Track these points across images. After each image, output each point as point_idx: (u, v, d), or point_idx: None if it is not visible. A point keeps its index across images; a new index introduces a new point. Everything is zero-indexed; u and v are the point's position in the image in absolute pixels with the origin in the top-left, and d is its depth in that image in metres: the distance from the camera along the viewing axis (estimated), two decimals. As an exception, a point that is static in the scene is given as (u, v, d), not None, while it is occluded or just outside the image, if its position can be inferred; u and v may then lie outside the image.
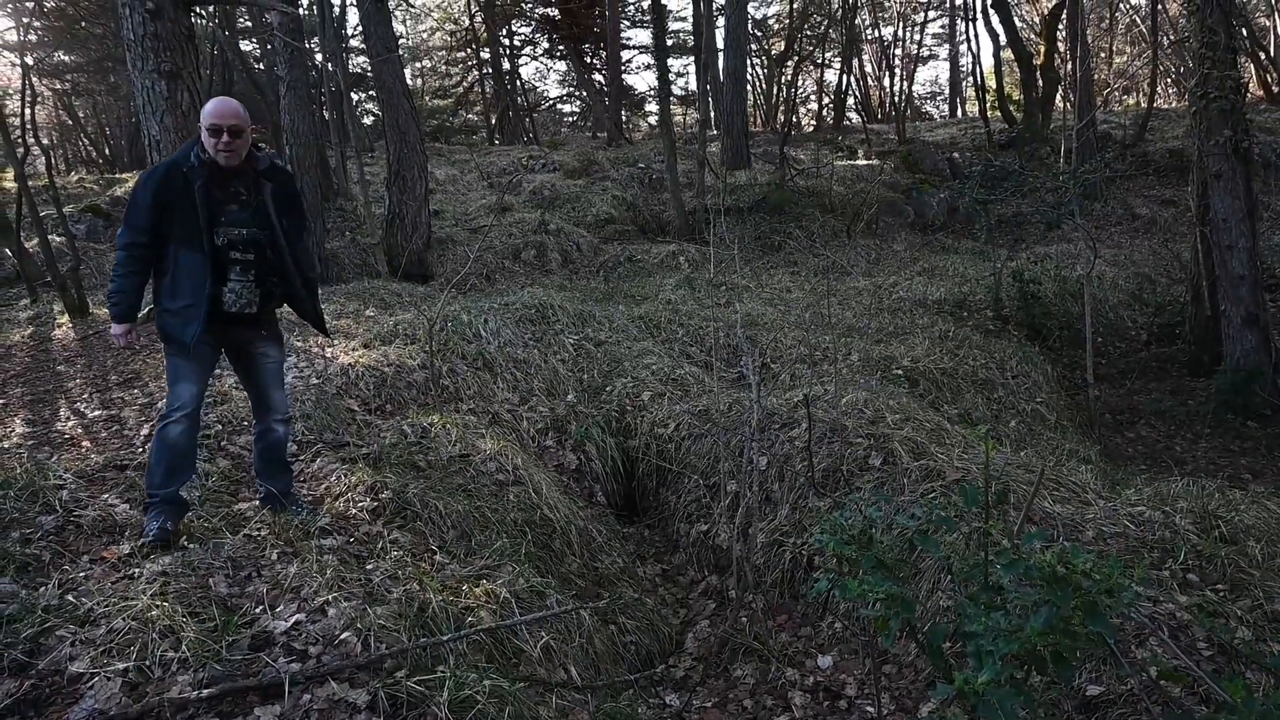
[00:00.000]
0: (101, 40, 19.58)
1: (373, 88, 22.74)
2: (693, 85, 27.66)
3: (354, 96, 19.47)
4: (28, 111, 9.78)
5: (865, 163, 16.77)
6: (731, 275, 9.83)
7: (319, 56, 16.33)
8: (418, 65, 31.12)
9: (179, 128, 6.95)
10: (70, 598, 2.69)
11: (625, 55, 27.04)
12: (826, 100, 27.49)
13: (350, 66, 20.29)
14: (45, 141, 22.07)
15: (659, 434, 5.42)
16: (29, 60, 13.27)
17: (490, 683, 2.28)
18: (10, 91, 20.39)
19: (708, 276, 10.21)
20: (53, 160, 22.21)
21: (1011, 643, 1.37)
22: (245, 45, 19.82)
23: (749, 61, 21.44)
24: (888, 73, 26.13)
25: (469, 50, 28.60)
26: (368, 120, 26.41)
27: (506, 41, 27.12)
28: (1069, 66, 16.75)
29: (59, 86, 21.62)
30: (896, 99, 23.01)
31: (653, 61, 26.49)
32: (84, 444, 4.32)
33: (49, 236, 8.45)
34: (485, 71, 28.01)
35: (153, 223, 3.08)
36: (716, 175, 13.38)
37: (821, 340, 6.96)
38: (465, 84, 30.24)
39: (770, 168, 15.49)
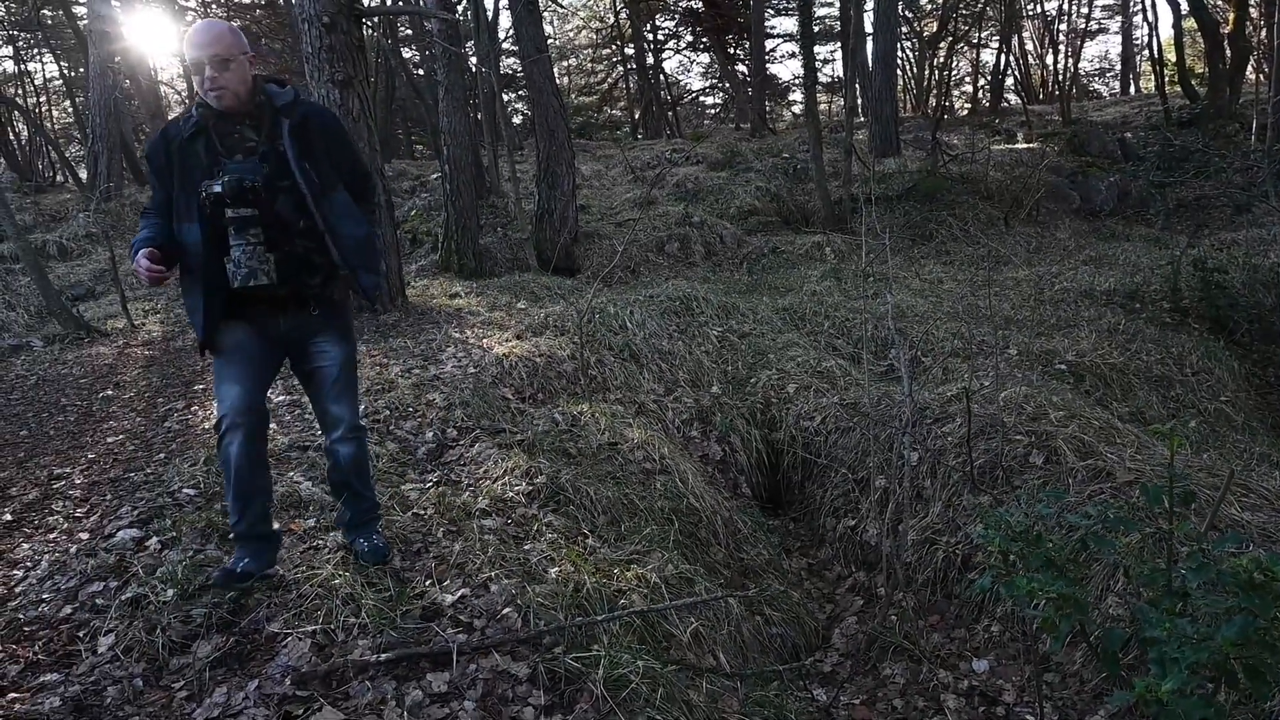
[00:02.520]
0: (280, 55, 21.20)
1: (523, 88, 23.53)
2: (839, 72, 27.03)
3: (504, 97, 20.21)
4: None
5: (1025, 146, 15.87)
6: (880, 266, 9.56)
7: (473, 60, 17.05)
8: (564, 64, 31.90)
9: (352, 132, 7.46)
10: (265, 564, 2.97)
11: (769, 44, 26.72)
12: (983, 82, 26.15)
13: (501, 68, 21.05)
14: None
15: (804, 427, 5.36)
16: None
17: (644, 664, 2.35)
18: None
19: (854, 267, 9.98)
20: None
21: (1200, 651, 1.28)
22: (406, 53, 20.96)
23: (899, 44, 20.71)
24: (1051, 50, 24.59)
25: (614, 47, 29.09)
26: (516, 120, 27.35)
27: (650, 36, 27.36)
28: (1263, 34, 15.21)
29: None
30: (1061, 77, 21.63)
31: (798, 49, 26.05)
32: (271, 426, 4.72)
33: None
34: (629, 67, 28.41)
35: (161, 199, 2.61)
36: (864, 163, 13.03)
37: (977, 333, 6.67)
38: (610, 80, 30.77)
39: (921, 154, 14.93)
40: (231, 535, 2.83)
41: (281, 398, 5.32)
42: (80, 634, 2.68)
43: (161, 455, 4.50)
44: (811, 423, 5.34)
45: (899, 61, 21.86)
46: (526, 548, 3.12)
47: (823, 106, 25.90)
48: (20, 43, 23.03)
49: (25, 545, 3.47)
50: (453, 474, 4.02)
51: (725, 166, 15.86)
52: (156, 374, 6.65)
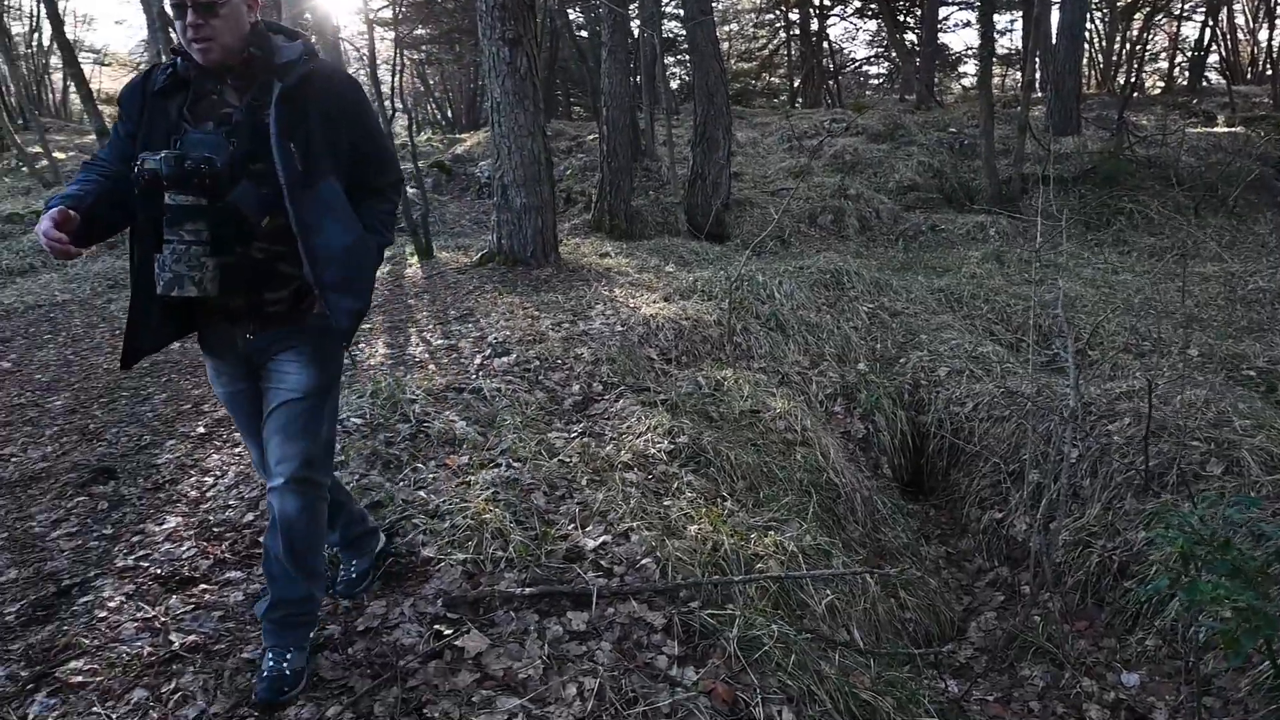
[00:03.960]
0: (452, 14, 21.95)
1: (683, 51, 23.41)
2: (1016, 43, 25.38)
3: (664, 60, 20.17)
4: (397, 80, 11.24)
5: (1226, 130, 14.44)
6: (1049, 251, 9.00)
7: (636, 22, 17.10)
8: (725, 29, 31.48)
9: (517, 90, 7.67)
10: (422, 494, 3.16)
11: (943, 12, 25.37)
12: (1181, 58, 23.93)
13: (662, 31, 21.00)
14: (400, 105, 25.40)
15: (954, 412, 5.16)
16: (396, 34, 15.24)
17: (778, 629, 2.36)
18: (383, 63, 23.61)
19: (1020, 250, 9.44)
20: (412, 121, 25.46)
21: None
22: (570, 15, 21.25)
23: (1088, 14, 19.19)
24: (1265, 24, 22.16)
25: (778, 12, 28.41)
26: (674, 84, 27.28)
27: (817, 1, 26.55)
28: None
29: (416, 57, 24.63)
30: (1275, 55, 19.48)
31: (974, 18, 24.62)
32: (430, 367, 4.98)
33: (405, 189, 9.75)
34: (792, 33, 27.71)
35: (122, 150, 2.02)
36: (1039, 141, 12.23)
37: (1154, 329, 6.19)
38: (771, 47, 30.13)
39: (1103, 134, 13.86)
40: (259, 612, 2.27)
41: (440, 341, 5.59)
42: (260, 539, 2.95)
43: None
44: (962, 408, 5.13)
45: (1085, 33, 20.29)
46: (666, 503, 3.17)
47: (995, 80, 24.45)
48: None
49: (215, 456, 3.83)
50: (596, 426, 4.12)
51: (886, 139, 15.28)
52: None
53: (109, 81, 24.45)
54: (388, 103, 11.26)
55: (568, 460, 3.51)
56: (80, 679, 2.20)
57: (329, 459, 2.24)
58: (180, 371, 5.47)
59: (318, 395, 2.14)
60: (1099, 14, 23.52)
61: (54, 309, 8.11)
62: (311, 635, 2.28)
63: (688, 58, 19.99)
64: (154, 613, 2.50)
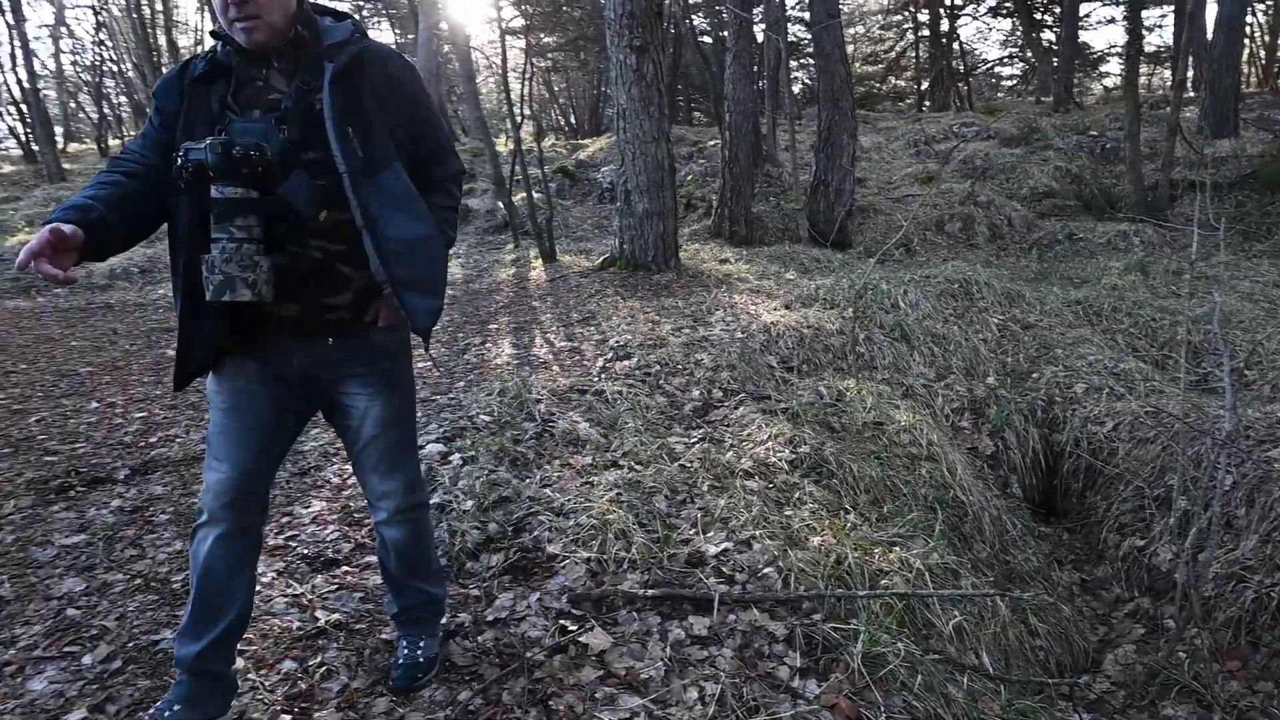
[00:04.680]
0: (578, 22, 22.42)
1: (805, 54, 23.13)
2: (1166, 39, 23.83)
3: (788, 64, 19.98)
4: (526, 87, 11.58)
5: None
6: (1203, 262, 8.42)
7: (759, 26, 17.02)
8: (850, 31, 30.89)
9: (642, 97, 7.77)
10: (547, 491, 3.25)
11: (1084, 9, 24.10)
12: (1359, 52, 21.88)
13: (787, 35, 20.81)
14: (527, 111, 26.17)
15: (1092, 431, 4.90)
16: (524, 43, 15.68)
17: (903, 647, 2.30)
18: (511, 69, 24.39)
19: (1167, 262, 8.87)
20: (541, 128, 26.16)
21: None
22: (693, 20, 21.34)
23: (1248, 7, 17.81)
24: None
25: (906, 13, 27.67)
26: (795, 88, 26.97)
27: (948, 1, 25.71)
28: None
29: (542, 64, 25.28)
30: None
31: (1118, 15, 23.27)
32: (554, 368, 5.11)
33: (531, 193, 10.03)
34: (920, 35, 26.93)
35: (154, 154, 1.80)
36: (1190, 145, 11.46)
37: (1323, 349, 5.70)
38: (898, 48, 29.37)
39: (1265, 136, 12.86)
40: (174, 662, 1.98)
41: (563, 343, 5.73)
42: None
43: (461, 383, 5.03)
44: (1101, 428, 4.87)
45: (1246, 26, 18.82)
46: (788, 513, 3.15)
47: (1141, 80, 23.04)
48: (364, 13, 26.23)
49: (355, 446, 4.05)
50: (716, 433, 4.13)
51: (1020, 143, 14.64)
52: (457, 311, 7.41)
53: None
54: (515, 109, 11.60)
55: (688, 465, 3.53)
56: (239, 645, 2.38)
57: (420, 472, 2.23)
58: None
59: (398, 424, 2.04)
60: (1260, 6, 21.80)
61: (211, 304, 8.73)
62: (443, 622, 2.39)
63: (811, 62, 19.74)
64: (301, 590, 2.68)
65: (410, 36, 23.76)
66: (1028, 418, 5.19)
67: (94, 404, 5.02)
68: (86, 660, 2.36)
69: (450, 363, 5.63)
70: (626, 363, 5.00)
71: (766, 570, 2.64)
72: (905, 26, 28.42)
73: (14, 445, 4.27)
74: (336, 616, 2.52)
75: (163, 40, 20.22)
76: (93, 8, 21.75)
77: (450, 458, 3.61)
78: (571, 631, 2.38)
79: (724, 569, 2.67)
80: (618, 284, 7.63)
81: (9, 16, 17.22)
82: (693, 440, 3.98)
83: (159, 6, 20.87)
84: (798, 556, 2.71)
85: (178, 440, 4.30)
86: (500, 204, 12.42)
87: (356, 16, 2.06)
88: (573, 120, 27.99)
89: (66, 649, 2.43)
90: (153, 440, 4.32)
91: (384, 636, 2.44)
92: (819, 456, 3.76)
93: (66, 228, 1.56)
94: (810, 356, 5.48)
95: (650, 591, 2.53)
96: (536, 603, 2.55)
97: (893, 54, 29.69)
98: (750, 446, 3.85)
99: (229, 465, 1.90)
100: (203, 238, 1.72)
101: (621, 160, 8.05)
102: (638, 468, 3.45)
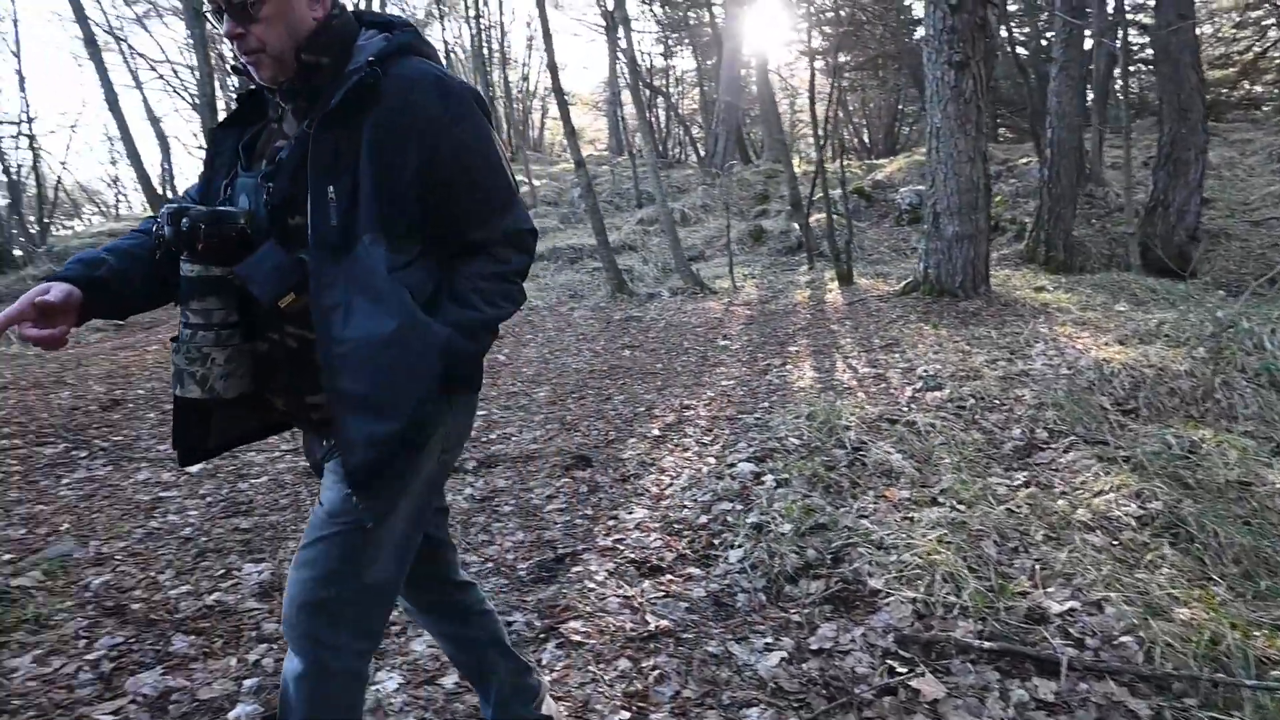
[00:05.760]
0: (879, 40, 21.92)
1: (1139, 61, 20.79)
2: None
3: (1116, 73, 18.08)
4: (828, 108, 11.53)
5: None
6: None
7: (1088, 33, 15.58)
8: (1196, 32, 27.31)
9: (959, 114, 7.42)
10: (865, 523, 3.18)
11: None
12: None
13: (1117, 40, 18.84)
14: (823, 132, 26.09)
15: None
16: (824, 63, 15.61)
17: (1308, 755, 1.97)
18: (806, 91, 24.43)
19: None
20: (838, 148, 26.00)
21: None
22: (1009, 30, 19.98)
23: None
24: None
25: (1268, 6, 23.88)
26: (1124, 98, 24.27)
27: (1328, -10, 21.81)
28: None
29: (841, 84, 25.04)
30: None
31: None
32: (859, 394, 5.01)
33: (831, 214, 9.94)
34: (1288, 31, 23.12)
35: (199, 188, 1.61)
36: None
37: None
38: (1255, 49, 25.43)
39: None
40: None
41: (866, 369, 5.60)
42: (715, 542, 3.20)
43: (766, 404, 5.09)
44: None
45: None
46: (1141, 576, 2.82)
47: None
48: (670, 40, 27.63)
49: (669, 458, 4.25)
50: (1043, 477, 3.81)
51: None
52: (755, 331, 7.53)
53: (574, 119, 28.58)
54: (818, 130, 11.59)
55: (1016, 510, 3.29)
56: (579, 638, 2.58)
57: (365, 615, 1.53)
58: (633, 377, 6.16)
59: (344, 521, 1.47)
60: None
61: (530, 313, 9.63)
62: (768, 640, 2.42)
63: (1142, 69, 17.68)
64: (632, 592, 2.84)
65: (710, 62, 24.66)
66: None
67: (443, 400, 5.71)
68: (455, 629, 2.68)
69: (753, 382, 5.72)
70: (937, 394, 4.78)
71: (1124, 639, 2.38)
72: (1267, 23, 24.55)
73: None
74: (665, 623, 2.65)
75: (496, 76, 22.66)
76: (446, 50, 24.95)
77: (763, 478, 3.66)
78: (901, 674, 2.30)
79: (1071, 630, 2.45)
80: (921, 310, 7.32)
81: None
82: (1015, 483, 3.70)
83: (495, 47, 23.46)
84: (1161, 628, 2.41)
85: (513, 439, 4.77)
86: (795, 225, 12.45)
87: (411, 22, 1.60)
88: (866, 140, 27.40)
89: (438, 617, 2.78)
90: (492, 437, 4.83)
91: (710, 649, 2.52)
92: (1174, 515, 3.32)
93: (54, 295, 1.38)
94: (1153, 400, 4.89)
95: (986, 644, 2.38)
96: (861, 638, 2.50)
97: (1249, 55, 25.77)
98: (1087, 496, 3.50)
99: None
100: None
101: (932, 181, 7.73)
102: (960, 508, 3.27)
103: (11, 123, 16.65)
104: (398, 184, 1.42)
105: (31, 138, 17.09)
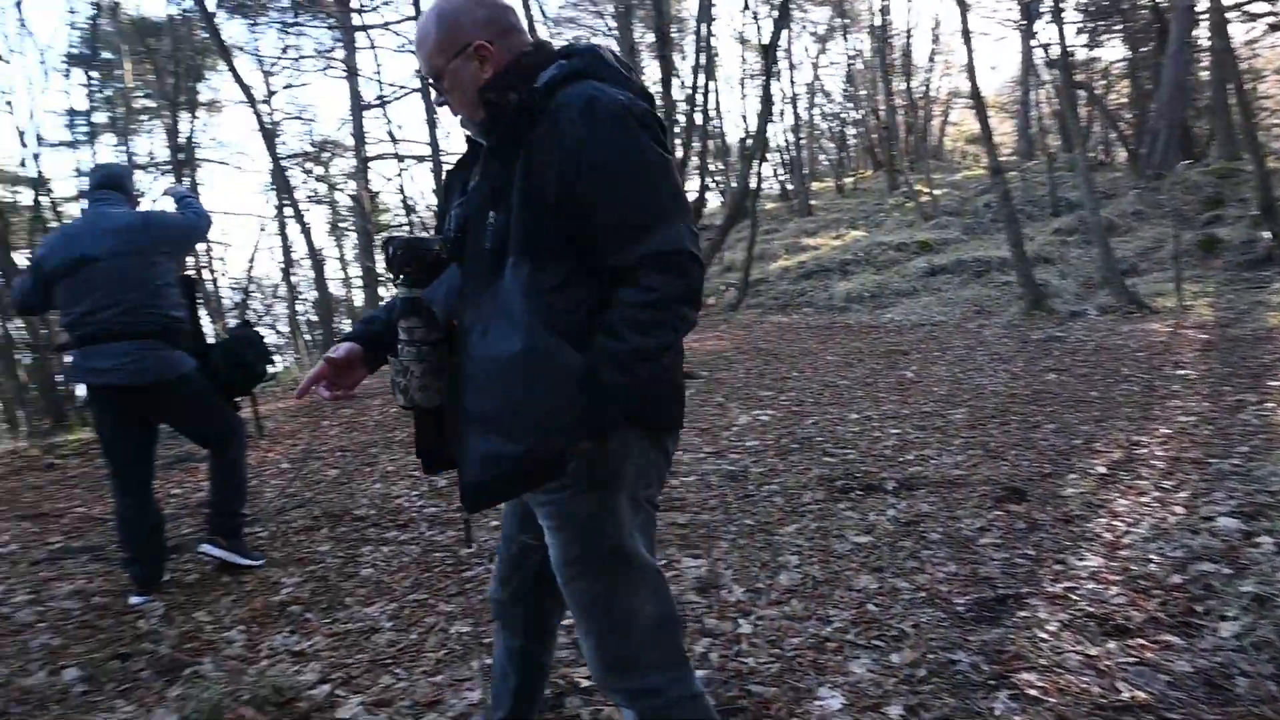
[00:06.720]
0: None
1: None
2: None
3: None
4: None
5: None
6: None
7: None
8: None
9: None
10: None
11: None
12: None
13: None
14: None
15: None
16: None
17: None
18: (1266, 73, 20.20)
19: None
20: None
21: None
22: None
23: None
24: None
25: None
26: None
27: None
28: None
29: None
30: None
31: None
32: None
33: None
34: None
35: None
36: None
37: None
38: None
39: None
40: None
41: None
42: (1196, 608, 2.75)
43: (1244, 448, 4.29)
44: None
45: None
46: None
47: None
48: (1096, 28, 24.74)
49: (1121, 500, 3.76)
50: None
51: None
52: (1217, 359, 6.43)
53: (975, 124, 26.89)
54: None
55: None
56: (1034, 693, 2.37)
57: (654, 652, 1.59)
58: (1062, 404, 5.60)
59: (582, 577, 1.57)
60: None
61: (934, 328, 9.23)
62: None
63: None
64: (1095, 652, 2.55)
65: (1143, 50, 21.58)
66: None
67: (853, 415, 5.69)
68: (894, 659, 2.62)
69: (1220, 420, 4.86)
70: None
71: None
72: None
73: (800, 443, 5.08)
74: (1143, 695, 2.33)
75: (899, 85, 22.16)
76: (847, 62, 25.03)
77: (1257, 539, 3.07)
78: None
79: None
80: None
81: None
82: None
83: (896, 56, 22.95)
84: None
85: (932, 461, 4.58)
86: (1264, 234, 10.44)
87: (595, 47, 1.60)
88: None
89: (874, 641, 2.74)
90: (909, 457, 4.68)
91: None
92: None
93: (339, 354, 1.64)
94: None
95: None
96: None
97: None
98: None
99: (501, 542, 1.92)
100: None
101: None
102: None
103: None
104: (540, 206, 1.44)
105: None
